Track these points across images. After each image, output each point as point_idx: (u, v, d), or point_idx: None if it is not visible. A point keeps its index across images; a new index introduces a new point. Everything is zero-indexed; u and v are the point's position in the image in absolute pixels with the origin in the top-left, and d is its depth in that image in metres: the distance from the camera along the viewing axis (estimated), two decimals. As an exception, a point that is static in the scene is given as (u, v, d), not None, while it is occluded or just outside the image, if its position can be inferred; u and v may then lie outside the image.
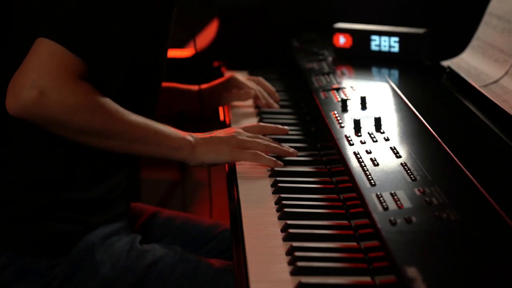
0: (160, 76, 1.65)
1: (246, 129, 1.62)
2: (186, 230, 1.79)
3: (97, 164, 1.54)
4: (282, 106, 1.97)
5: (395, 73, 1.94)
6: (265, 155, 1.55)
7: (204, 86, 1.97)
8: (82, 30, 1.41)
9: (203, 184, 3.62)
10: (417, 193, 1.20)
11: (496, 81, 1.70)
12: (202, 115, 1.97)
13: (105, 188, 1.57)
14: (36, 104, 1.37)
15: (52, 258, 1.52)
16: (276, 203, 1.40)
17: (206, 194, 3.58)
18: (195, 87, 1.96)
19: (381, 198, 1.20)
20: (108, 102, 1.45)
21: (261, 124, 1.70)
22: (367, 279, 1.14)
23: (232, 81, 1.95)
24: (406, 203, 1.17)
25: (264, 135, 1.63)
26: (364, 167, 1.32)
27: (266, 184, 1.49)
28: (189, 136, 1.54)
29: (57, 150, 1.50)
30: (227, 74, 2.29)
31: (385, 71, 1.95)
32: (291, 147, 1.62)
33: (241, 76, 1.99)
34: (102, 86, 1.45)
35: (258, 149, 1.55)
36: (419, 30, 1.97)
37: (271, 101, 1.95)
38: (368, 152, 1.39)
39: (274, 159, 1.55)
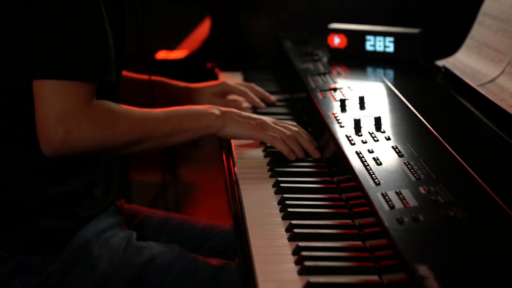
0: (122, 67, 1.65)
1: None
2: (182, 231, 1.79)
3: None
4: (277, 106, 1.97)
5: (391, 73, 1.95)
6: (282, 143, 1.58)
7: (193, 85, 1.96)
8: (71, 55, 1.42)
9: (192, 185, 3.62)
10: (423, 191, 1.20)
11: (492, 80, 1.71)
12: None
13: (83, 179, 1.56)
14: (66, 141, 1.42)
15: (46, 255, 1.52)
16: (279, 203, 1.41)
17: (195, 195, 3.59)
18: (183, 84, 1.95)
19: (386, 197, 1.21)
20: (128, 111, 1.49)
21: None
22: (374, 277, 1.14)
23: (222, 86, 1.94)
24: (412, 202, 1.18)
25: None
26: (368, 167, 1.33)
27: (267, 184, 1.49)
28: (214, 108, 1.58)
29: (33, 148, 1.48)
30: (221, 75, 2.30)
31: (380, 71, 1.96)
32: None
33: (233, 82, 1.98)
34: (112, 91, 1.48)
35: (280, 136, 1.59)
36: (414, 30, 1.99)
37: (258, 100, 1.93)
38: (370, 152, 1.39)
39: (290, 148, 1.58)
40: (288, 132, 1.61)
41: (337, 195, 1.43)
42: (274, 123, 1.63)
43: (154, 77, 1.90)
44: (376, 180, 1.27)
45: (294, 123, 1.66)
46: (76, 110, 1.41)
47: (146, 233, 1.76)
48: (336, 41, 2.06)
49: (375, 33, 2.02)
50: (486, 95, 1.61)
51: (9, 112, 1.49)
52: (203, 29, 2.50)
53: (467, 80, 1.72)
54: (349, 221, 1.33)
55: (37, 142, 1.46)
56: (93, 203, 1.58)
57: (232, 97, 1.94)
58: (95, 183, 1.58)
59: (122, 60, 1.59)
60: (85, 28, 1.43)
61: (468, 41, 1.91)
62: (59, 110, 1.40)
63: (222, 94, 1.93)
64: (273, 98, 1.97)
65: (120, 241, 1.56)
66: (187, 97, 1.91)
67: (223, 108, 1.60)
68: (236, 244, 1.33)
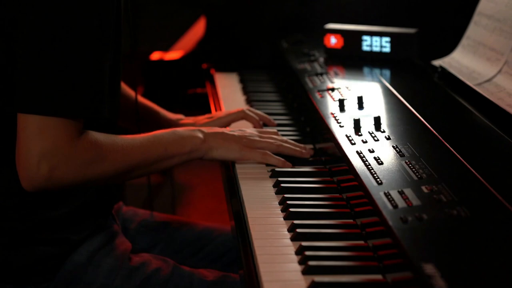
0: (120, 76, 1.56)
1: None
2: (180, 236, 1.77)
3: None
4: (274, 107, 1.97)
5: (388, 73, 1.96)
6: (274, 156, 1.55)
7: (186, 120, 1.86)
8: (54, 89, 1.32)
9: (184, 187, 3.62)
10: (425, 190, 1.21)
11: (489, 80, 1.72)
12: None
13: (76, 202, 1.50)
14: (50, 179, 1.34)
15: (38, 284, 1.47)
16: (280, 203, 1.41)
17: (188, 197, 3.58)
18: (174, 116, 1.87)
19: (389, 197, 1.21)
20: (113, 142, 1.41)
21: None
22: (378, 277, 1.15)
23: (216, 122, 1.77)
24: (415, 201, 1.18)
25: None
26: (369, 166, 1.33)
27: (268, 185, 1.49)
28: (198, 132, 1.53)
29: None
30: (217, 75, 2.30)
31: (377, 71, 1.97)
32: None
33: (224, 114, 1.80)
34: (99, 121, 1.41)
35: (269, 150, 1.56)
36: (410, 30, 1.99)
37: (265, 116, 1.80)
38: (371, 151, 1.40)
39: (283, 159, 1.56)
40: (275, 142, 1.57)
41: (338, 194, 1.44)
42: (259, 136, 1.58)
43: (142, 100, 1.82)
44: (378, 180, 1.28)
45: (275, 130, 1.64)
46: (61, 146, 1.33)
47: (145, 237, 1.75)
48: (333, 41, 2.07)
49: (371, 33, 2.02)
50: (484, 94, 1.62)
51: None
52: (198, 29, 2.50)
53: (464, 80, 1.73)
54: (351, 220, 1.33)
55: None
56: (85, 225, 1.52)
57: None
58: (88, 203, 1.51)
59: (120, 65, 1.50)
60: (80, 57, 1.33)
61: (464, 41, 1.92)
62: (43, 146, 1.32)
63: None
64: (272, 121, 1.82)
65: (113, 263, 1.51)
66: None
67: (207, 130, 1.55)
68: (238, 244, 1.33)
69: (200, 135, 1.53)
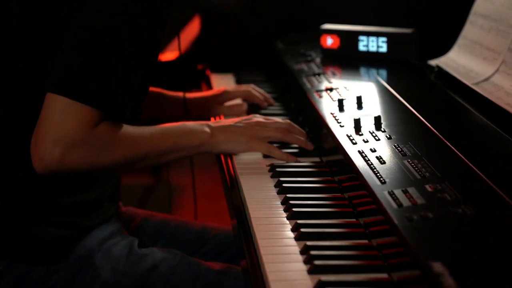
0: (151, 81, 1.64)
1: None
2: (180, 233, 1.80)
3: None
4: (271, 107, 1.97)
5: (385, 72, 1.96)
6: (279, 150, 1.60)
7: (192, 95, 1.96)
8: (89, 79, 1.39)
9: (178, 188, 3.61)
10: (429, 189, 1.21)
11: (487, 79, 1.72)
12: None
13: (97, 191, 1.56)
14: (61, 162, 1.38)
15: (50, 265, 1.50)
16: (282, 203, 1.41)
17: (180, 198, 3.58)
18: (181, 94, 1.94)
19: (393, 196, 1.21)
20: (126, 131, 1.46)
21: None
22: (384, 275, 1.15)
23: (224, 95, 1.95)
24: (420, 200, 1.19)
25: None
26: (371, 166, 1.34)
27: (269, 185, 1.50)
28: (206, 127, 1.57)
29: None
30: (213, 76, 2.30)
31: (374, 71, 1.97)
32: (287, 147, 1.64)
33: (232, 88, 1.98)
34: (118, 119, 1.45)
35: (275, 139, 1.61)
36: (407, 30, 2.00)
37: (262, 98, 1.95)
38: (373, 151, 1.40)
39: (287, 154, 1.59)
40: (281, 131, 1.62)
41: (340, 194, 1.44)
42: (265, 124, 1.63)
43: (151, 88, 1.88)
44: (382, 179, 1.28)
45: (278, 119, 1.68)
46: (78, 132, 1.38)
47: (145, 236, 1.75)
48: (329, 41, 2.07)
49: (368, 33, 2.03)
50: (483, 93, 1.62)
51: (20, 119, 1.47)
52: (192, 29, 2.50)
53: (461, 79, 1.74)
54: (354, 220, 1.33)
55: None
56: (99, 213, 1.57)
57: (233, 102, 1.94)
58: (104, 195, 1.58)
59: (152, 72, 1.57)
60: (119, 58, 1.41)
61: (460, 41, 1.93)
62: (62, 129, 1.37)
63: (224, 102, 1.94)
64: (271, 100, 1.98)
65: (122, 249, 1.55)
66: (185, 107, 1.91)
67: (214, 124, 1.59)
68: (241, 245, 1.33)
69: (208, 129, 1.57)
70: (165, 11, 1.47)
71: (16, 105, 1.48)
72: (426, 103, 1.69)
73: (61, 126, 1.37)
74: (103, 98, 1.40)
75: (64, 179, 1.49)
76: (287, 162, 1.58)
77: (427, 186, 1.22)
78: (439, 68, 1.89)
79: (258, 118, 1.65)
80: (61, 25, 1.42)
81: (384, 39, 2.01)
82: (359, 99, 1.66)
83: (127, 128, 1.47)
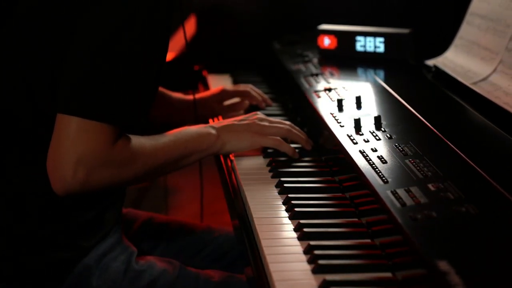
0: (159, 85, 1.61)
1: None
2: (181, 237, 1.78)
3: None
4: (270, 108, 1.98)
5: (383, 73, 1.97)
6: (285, 143, 1.60)
7: (191, 96, 1.94)
8: (102, 95, 1.34)
9: (171, 190, 3.61)
10: (432, 188, 1.22)
11: (485, 79, 1.73)
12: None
13: (97, 209, 1.51)
14: (85, 183, 1.34)
15: (49, 286, 1.47)
16: (284, 203, 1.41)
17: (176, 199, 3.58)
18: (189, 97, 1.94)
19: (396, 195, 1.22)
20: (142, 145, 1.43)
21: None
22: (388, 274, 1.15)
23: (223, 93, 1.95)
24: (423, 199, 1.19)
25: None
26: (373, 165, 1.34)
27: (270, 185, 1.50)
28: (211, 129, 1.57)
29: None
30: (209, 77, 2.30)
31: (372, 71, 1.98)
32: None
33: (231, 87, 1.98)
34: (135, 130, 1.43)
35: (279, 135, 1.60)
36: (404, 30, 2.01)
37: (260, 99, 1.96)
38: (374, 150, 1.41)
39: (293, 148, 1.60)
40: (285, 127, 1.63)
41: (341, 194, 1.44)
42: (268, 121, 1.63)
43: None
44: (384, 178, 1.28)
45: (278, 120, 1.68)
46: (99, 150, 1.33)
47: (146, 240, 1.74)
48: (326, 42, 2.08)
49: (365, 34, 2.04)
50: (481, 93, 1.63)
51: (26, 141, 1.42)
52: (188, 29, 2.49)
53: (459, 79, 1.75)
54: (356, 219, 1.34)
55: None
56: (100, 228, 1.52)
57: (232, 101, 1.94)
58: (107, 210, 1.52)
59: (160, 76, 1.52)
60: (131, 70, 1.36)
61: (457, 41, 1.94)
62: (81, 150, 1.32)
63: (223, 101, 1.94)
64: (269, 101, 1.98)
65: (120, 266, 1.51)
66: (187, 109, 1.90)
67: (217, 125, 1.59)
68: (244, 245, 1.33)
69: (213, 131, 1.57)
70: (171, 13, 1.44)
71: (28, 118, 1.42)
72: (425, 103, 1.70)
73: (81, 147, 1.32)
74: (119, 113, 1.35)
75: (69, 200, 1.44)
76: (293, 156, 1.59)
77: (429, 185, 1.23)
78: (436, 68, 1.89)
79: (260, 115, 1.65)
80: (68, 28, 1.37)
81: (381, 39, 2.01)
82: (358, 99, 1.67)
83: (142, 140, 1.43)
